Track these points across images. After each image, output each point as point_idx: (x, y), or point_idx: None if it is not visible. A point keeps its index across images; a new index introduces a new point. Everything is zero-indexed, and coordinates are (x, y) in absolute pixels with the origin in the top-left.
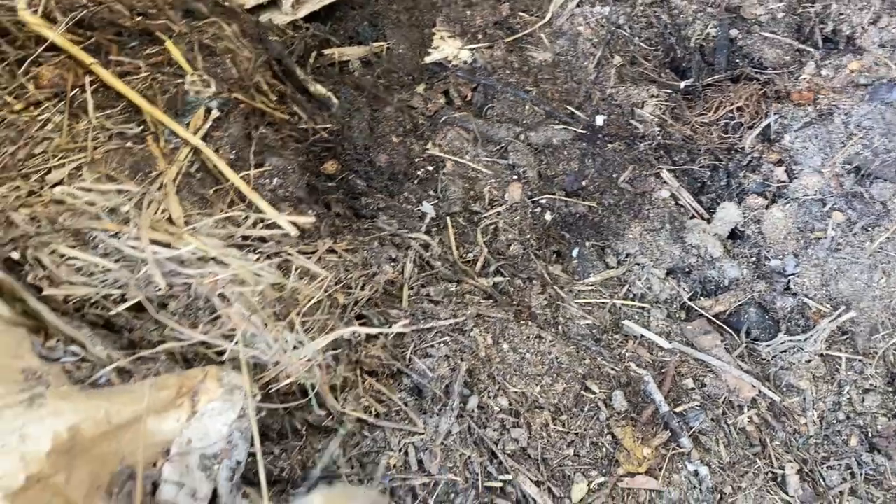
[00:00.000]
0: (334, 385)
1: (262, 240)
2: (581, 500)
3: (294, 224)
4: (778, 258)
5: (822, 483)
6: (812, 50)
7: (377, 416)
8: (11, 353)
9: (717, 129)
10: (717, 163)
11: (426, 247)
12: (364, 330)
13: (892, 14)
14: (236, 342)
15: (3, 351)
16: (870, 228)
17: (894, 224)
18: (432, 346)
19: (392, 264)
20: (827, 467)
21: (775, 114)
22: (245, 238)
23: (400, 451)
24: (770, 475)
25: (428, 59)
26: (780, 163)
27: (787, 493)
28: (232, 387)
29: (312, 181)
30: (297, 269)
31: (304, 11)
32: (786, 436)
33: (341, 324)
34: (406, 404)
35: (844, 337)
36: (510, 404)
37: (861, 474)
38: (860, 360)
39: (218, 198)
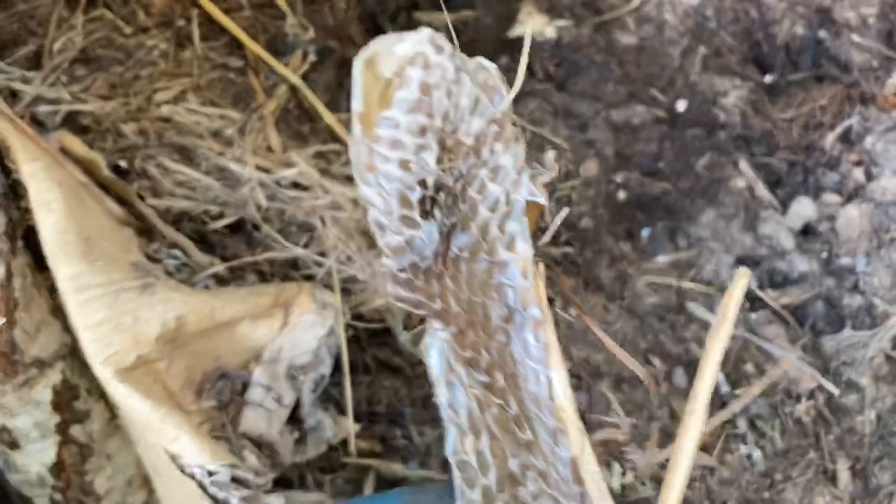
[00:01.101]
0: (413, 325)
1: (350, 178)
2: None
3: None
4: (849, 256)
5: (874, 481)
6: None
7: None
8: (123, 247)
9: (797, 126)
10: (795, 158)
11: None
12: None
13: None
14: (332, 260)
15: (116, 244)
16: None
17: None
18: None
19: None
20: (880, 467)
21: (858, 116)
22: (338, 174)
23: None
24: (821, 468)
25: (512, 33)
26: (859, 163)
27: (836, 488)
28: (324, 303)
29: None
30: None
31: None
32: (840, 431)
33: None
34: None
35: None
36: (572, 368)
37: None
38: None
39: (313, 134)
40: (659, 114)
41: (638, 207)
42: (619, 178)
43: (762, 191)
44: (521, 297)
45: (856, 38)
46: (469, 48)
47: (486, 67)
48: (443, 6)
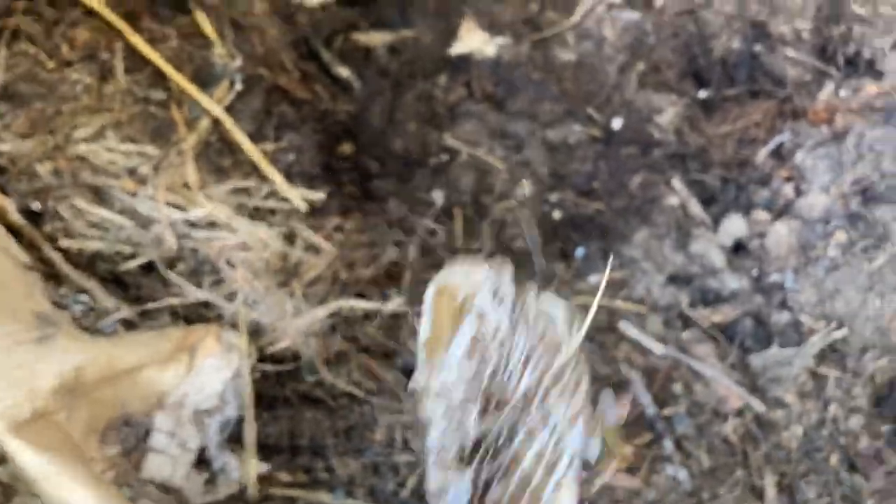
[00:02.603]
0: (328, 358)
1: (272, 212)
2: None
3: (305, 199)
4: (778, 273)
5: (800, 496)
6: (833, 71)
7: (367, 392)
8: (26, 295)
9: (731, 142)
10: (728, 175)
11: (432, 233)
12: (361, 304)
13: None
14: (238, 303)
15: (18, 292)
16: (869, 250)
17: (893, 247)
18: None
19: (397, 247)
20: (806, 482)
21: (790, 131)
22: (256, 209)
23: (386, 428)
24: (749, 485)
25: (453, 51)
26: (789, 180)
27: None
28: (230, 345)
29: (327, 160)
30: (302, 242)
31: None
32: (768, 448)
33: (341, 297)
34: (398, 384)
35: (835, 355)
36: None
37: (838, 493)
38: (848, 380)
39: (234, 168)
40: (595, 133)
41: (572, 227)
42: (553, 198)
43: (695, 208)
44: None
45: (790, 52)
46: (409, 67)
47: (551, 315)
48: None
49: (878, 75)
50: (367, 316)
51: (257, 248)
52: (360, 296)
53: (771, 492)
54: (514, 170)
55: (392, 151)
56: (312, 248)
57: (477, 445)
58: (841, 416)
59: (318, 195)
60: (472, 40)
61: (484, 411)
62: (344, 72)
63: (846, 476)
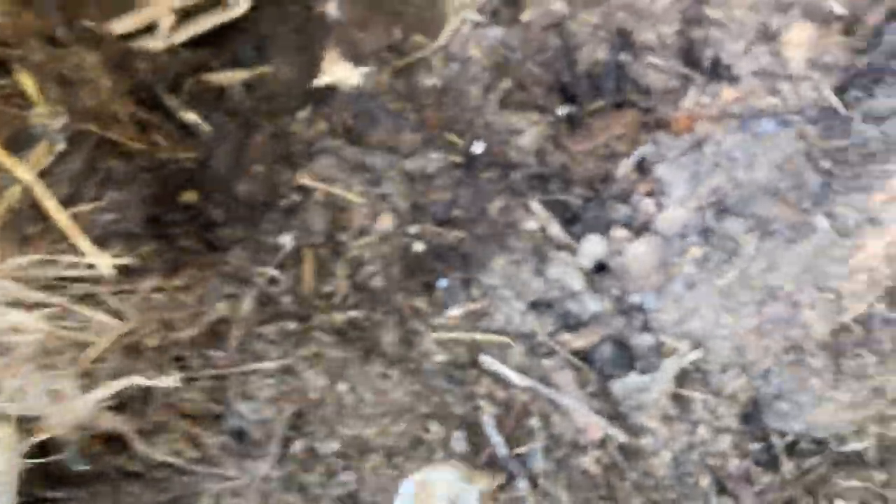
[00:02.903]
0: (141, 429)
1: (79, 280)
2: None
3: (116, 263)
4: (639, 293)
5: None
6: (697, 76)
7: (191, 460)
8: None
9: (593, 158)
10: (591, 193)
11: (273, 281)
12: (143, 382)
13: (764, 43)
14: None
15: None
16: (721, 265)
17: (743, 262)
18: (258, 388)
19: (229, 301)
20: None
21: (652, 143)
22: (61, 279)
23: (213, 497)
24: None
25: (316, 83)
26: (650, 194)
27: None
28: None
29: (160, 214)
30: (99, 312)
31: (182, 37)
32: (637, 477)
33: (141, 368)
34: (225, 449)
35: (699, 376)
36: (341, 447)
37: None
38: (713, 400)
39: (42, 236)
40: (455, 159)
41: (435, 259)
42: (413, 230)
43: (554, 230)
44: None
45: (654, 59)
46: (268, 103)
47: None
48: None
49: (735, 80)
50: (188, 381)
51: (30, 330)
52: (179, 359)
53: None
54: (374, 203)
55: (238, 197)
56: (116, 316)
57: None
58: (709, 437)
59: (115, 260)
60: (336, 72)
61: None
62: (190, 116)
63: (716, 500)
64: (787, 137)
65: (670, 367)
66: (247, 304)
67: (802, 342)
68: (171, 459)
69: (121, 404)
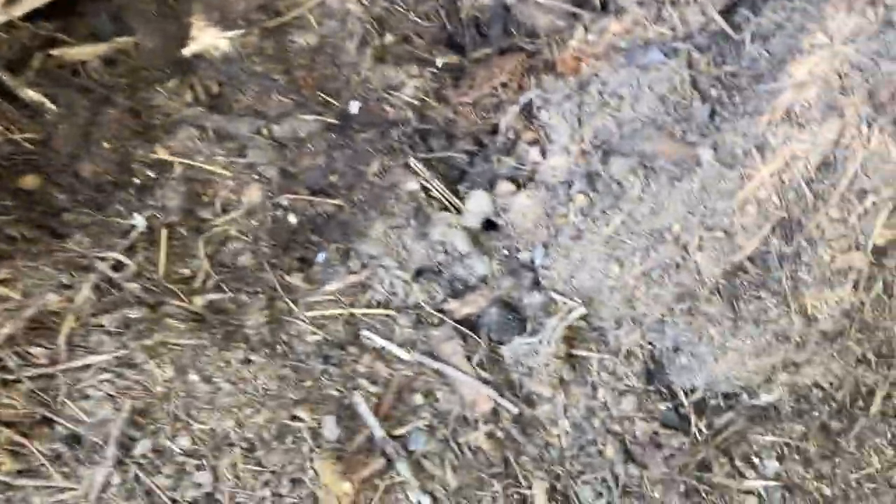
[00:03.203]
0: None
1: None
2: None
3: None
4: (528, 250)
5: (576, 500)
6: (585, 13)
7: (12, 474)
8: None
9: (478, 109)
10: (475, 148)
11: (118, 267)
12: None
13: None
14: None
15: None
16: (607, 211)
17: (628, 205)
18: (92, 385)
19: (62, 291)
20: (582, 482)
21: (536, 87)
22: None
23: None
24: (516, 496)
25: (186, 52)
26: (535, 142)
27: None
28: None
29: None
30: None
31: (19, 10)
32: (537, 450)
33: None
34: (59, 457)
35: (593, 334)
36: (193, 444)
37: (617, 490)
38: (610, 360)
39: None
40: (329, 120)
41: (312, 231)
42: (285, 201)
43: (439, 190)
44: None
45: None
46: (132, 76)
47: None
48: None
49: (620, 12)
50: (5, 383)
51: None
52: None
53: (541, 499)
54: (240, 175)
55: (85, 178)
56: None
57: None
58: (610, 400)
59: None
60: (204, 38)
61: None
62: (32, 95)
63: (623, 469)
64: (674, 67)
65: (556, 325)
66: (83, 294)
67: (695, 288)
68: None
69: None
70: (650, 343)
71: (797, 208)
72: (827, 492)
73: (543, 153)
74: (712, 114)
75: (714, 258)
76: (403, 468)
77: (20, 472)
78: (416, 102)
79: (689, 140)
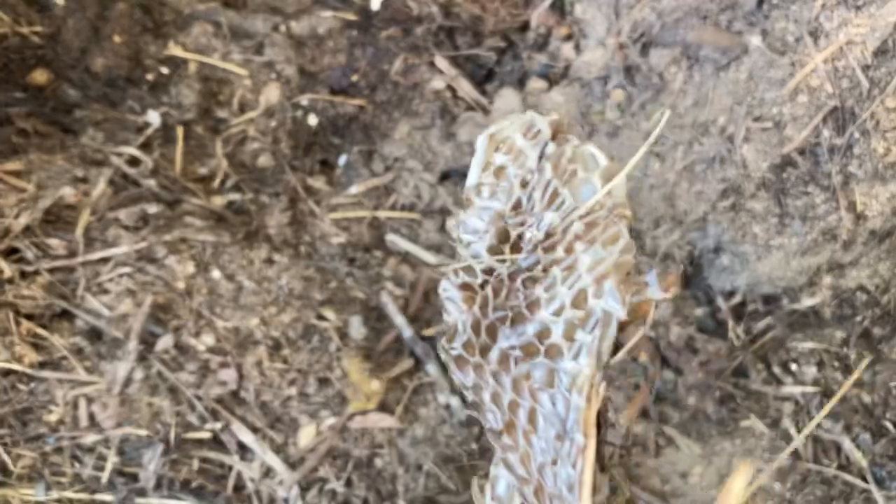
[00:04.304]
0: None
1: None
2: (309, 445)
3: None
4: None
5: (609, 406)
6: None
7: (34, 365)
8: None
9: (507, 5)
10: (504, 45)
11: (134, 162)
12: None
13: None
14: None
15: None
16: (647, 106)
17: (669, 98)
18: (111, 279)
19: (78, 185)
20: (615, 387)
21: None
22: None
23: (67, 404)
24: None
25: None
26: (569, 38)
27: None
28: None
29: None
30: None
31: None
32: None
33: None
34: (80, 350)
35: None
36: (217, 342)
37: (652, 393)
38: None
39: None
40: (349, 17)
41: (333, 132)
42: (305, 101)
43: (465, 89)
44: (574, 416)
45: None
46: None
47: (588, 156)
48: None
49: None
50: (24, 274)
51: None
52: (14, 251)
53: None
54: (257, 73)
55: (96, 74)
56: None
57: (484, 282)
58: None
59: None
60: None
61: (494, 250)
62: None
63: (657, 374)
64: None
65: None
66: (99, 188)
67: (740, 182)
68: (8, 366)
69: None
70: (689, 244)
71: (851, 97)
72: (866, 399)
73: (578, 48)
74: (760, 1)
75: (761, 151)
76: (433, 369)
77: (42, 365)
78: None
79: (736, 29)
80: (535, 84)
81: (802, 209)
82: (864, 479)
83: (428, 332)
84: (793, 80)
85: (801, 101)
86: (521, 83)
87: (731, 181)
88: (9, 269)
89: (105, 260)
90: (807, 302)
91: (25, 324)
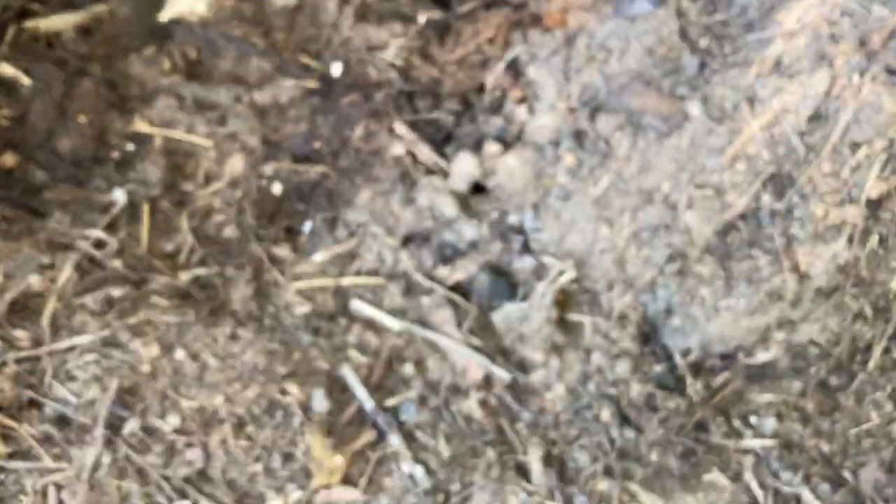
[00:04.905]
0: None
1: None
2: None
3: None
4: (516, 213)
5: (572, 465)
6: None
7: (6, 456)
8: None
9: (465, 67)
10: (462, 107)
11: (100, 245)
12: None
13: None
14: None
15: None
16: (595, 171)
17: (616, 164)
18: (78, 366)
19: (44, 272)
20: (578, 446)
21: (523, 42)
22: None
23: (37, 493)
24: (511, 463)
25: (162, 17)
26: (522, 100)
27: (529, 482)
28: None
29: None
30: None
31: None
32: (531, 416)
33: None
34: (48, 438)
35: (586, 297)
36: (183, 421)
37: (613, 453)
38: (603, 323)
39: None
40: (311, 85)
41: (299, 200)
42: (269, 170)
43: (425, 153)
44: None
45: None
46: (106, 46)
47: None
48: None
49: None
50: None
51: None
52: None
53: (536, 466)
54: (221, 144)
55: (62, 154)
56: None
57: None
58: (605, 364)
59: None
60: (181, 2)
61: None
62: (7, 70)
63: (618, 432)
64: (663, 16)
65: (547, 289)
66: (65, 274)
67: (685, 248)
68: None
69: None
70: (642, 305)
71: (788, 163)
72: (825, 448)
73: (531, 111)
74: (701, 66)
75: (704, 217)
76: (395, 439)
77: (11, 455)
78: (399, 62)
79: (678, 94)
80: (491, 148)
81: (748, 272)
82: None
83: (391, 401)
84: (731, 148)
85: (740, 169)
86: (478, 146)
87: (677, 247)
88: None
89: (71, 348)
90: (761, 357)
91: None
